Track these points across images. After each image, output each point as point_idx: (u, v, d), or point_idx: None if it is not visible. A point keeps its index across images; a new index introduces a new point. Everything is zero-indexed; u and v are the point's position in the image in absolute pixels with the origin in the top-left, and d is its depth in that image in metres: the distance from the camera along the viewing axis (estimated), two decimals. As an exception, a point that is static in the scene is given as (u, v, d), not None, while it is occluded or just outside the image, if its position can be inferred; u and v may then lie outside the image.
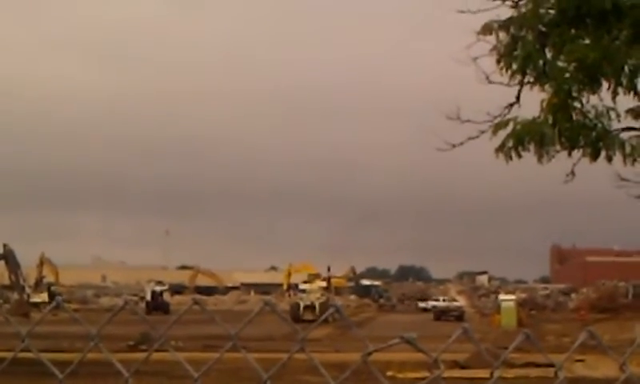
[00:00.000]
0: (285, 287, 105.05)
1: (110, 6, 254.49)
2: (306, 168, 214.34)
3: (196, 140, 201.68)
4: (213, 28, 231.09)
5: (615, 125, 7.61)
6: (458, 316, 75.38)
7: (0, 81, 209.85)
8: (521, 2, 7.63)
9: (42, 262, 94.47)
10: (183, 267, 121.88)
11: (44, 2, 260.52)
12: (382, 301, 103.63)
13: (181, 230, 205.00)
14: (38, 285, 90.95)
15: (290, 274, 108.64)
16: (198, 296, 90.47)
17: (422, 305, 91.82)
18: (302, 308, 74.47)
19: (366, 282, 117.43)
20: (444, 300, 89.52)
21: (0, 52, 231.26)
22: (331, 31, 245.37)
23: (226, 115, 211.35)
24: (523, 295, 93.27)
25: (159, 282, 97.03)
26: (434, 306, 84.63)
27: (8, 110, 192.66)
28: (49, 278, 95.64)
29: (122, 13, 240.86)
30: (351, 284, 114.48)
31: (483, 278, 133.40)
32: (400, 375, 13.51)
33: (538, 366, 18.16)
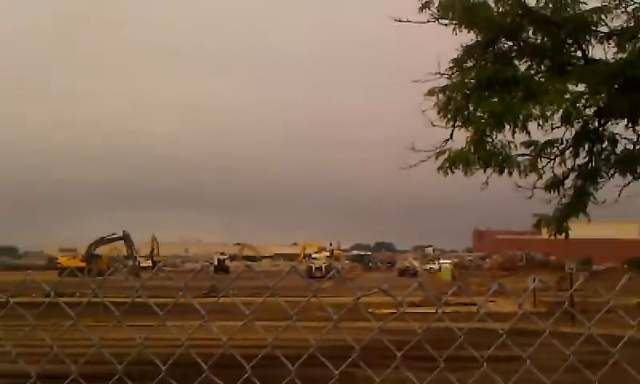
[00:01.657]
0: (301, 257, 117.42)
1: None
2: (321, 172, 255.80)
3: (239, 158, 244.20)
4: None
5: (514, 152, 9.04)
6: (414, 273, 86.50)
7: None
8: (452, 75, 9.14)
9: (153, 240, 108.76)
10: (237, 244, 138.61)
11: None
12: (370, 265, 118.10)
13: (237, 219, 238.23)
14: (152, 254, 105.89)
15: (304, 248, 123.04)
16: (247, 262, 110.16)
17: (405, 263, 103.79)
18: (313, 269, 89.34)
19: (360, 253, 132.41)
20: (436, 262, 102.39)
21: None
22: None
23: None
24: (455, 260, 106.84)
25: (222, 253, 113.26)
26: (407, 267, 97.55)
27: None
28: (156, 250, 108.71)
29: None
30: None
31: (429, 249, 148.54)
32: (377, 311, 15.72)
33: (465, 305, 21.40)
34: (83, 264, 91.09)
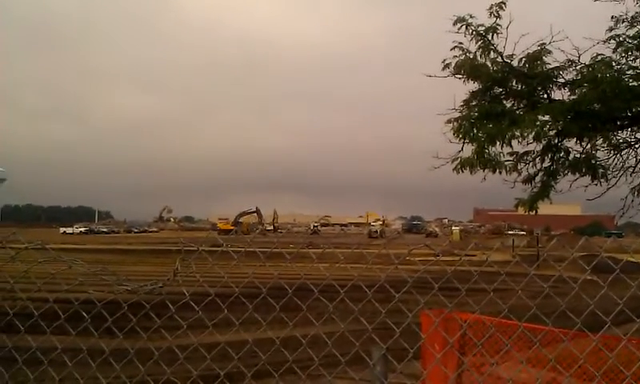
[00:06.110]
0: (366, 223, 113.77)
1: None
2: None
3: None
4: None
5: (502, 159, 8.52)
6: (435, 236, 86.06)
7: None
8: (463, 110, 8.72)
9: (274, 212, 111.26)
10: (325, 216, 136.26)
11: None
12: (419, 229, 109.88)
13: (324, 199, 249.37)
14: (273, 222, 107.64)
15: (367, 217, 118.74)
16: (330, 228, 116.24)
17: (429, 229, 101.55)
18: (372, 232, 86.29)
19: (413, 222, 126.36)
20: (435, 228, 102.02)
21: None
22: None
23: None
24: (462, 227, 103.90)
25: (316, 222, 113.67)
26: (431, 231, 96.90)
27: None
28: (276, 219, 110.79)
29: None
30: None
31: (445, 220, 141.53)
32: (419, 258, 15.55)
33: (469, 256, 20.92)
34: (232, 227, 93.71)
